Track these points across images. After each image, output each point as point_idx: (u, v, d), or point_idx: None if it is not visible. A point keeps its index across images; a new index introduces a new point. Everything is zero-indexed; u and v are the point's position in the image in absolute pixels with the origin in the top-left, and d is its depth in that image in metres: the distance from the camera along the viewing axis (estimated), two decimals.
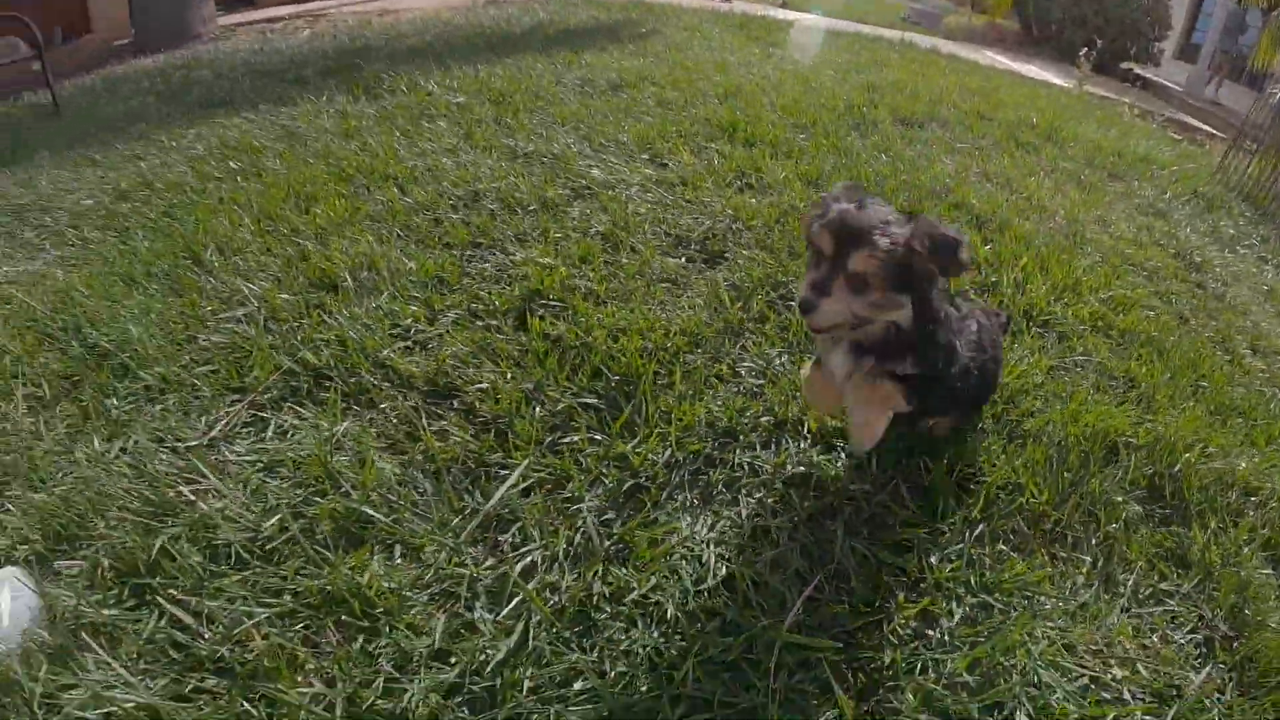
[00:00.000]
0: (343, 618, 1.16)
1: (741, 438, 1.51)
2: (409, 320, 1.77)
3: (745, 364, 1.70)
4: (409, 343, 1.73)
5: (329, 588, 1.19)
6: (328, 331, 1.72)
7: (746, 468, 1.45)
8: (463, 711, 1.05)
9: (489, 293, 1.88)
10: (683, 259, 2.12)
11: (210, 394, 1.60)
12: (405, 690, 1.06)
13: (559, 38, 5.40)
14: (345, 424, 1.50)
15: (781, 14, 10.69)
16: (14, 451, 1.52)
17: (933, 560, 1.30)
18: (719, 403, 1.57)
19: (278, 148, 2.90)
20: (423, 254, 2.04)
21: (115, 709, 1.05)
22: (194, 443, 1.48)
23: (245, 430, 1.52)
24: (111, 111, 4.14)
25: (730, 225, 2.28)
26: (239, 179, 2.60)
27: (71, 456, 1.48)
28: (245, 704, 1.05)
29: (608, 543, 1.30)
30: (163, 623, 1.17)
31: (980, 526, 1.37)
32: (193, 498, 1.36)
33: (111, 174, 2.88)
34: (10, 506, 1.40)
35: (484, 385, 1.59)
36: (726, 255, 2.14)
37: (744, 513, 1.37)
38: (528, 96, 3.47)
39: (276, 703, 1.05)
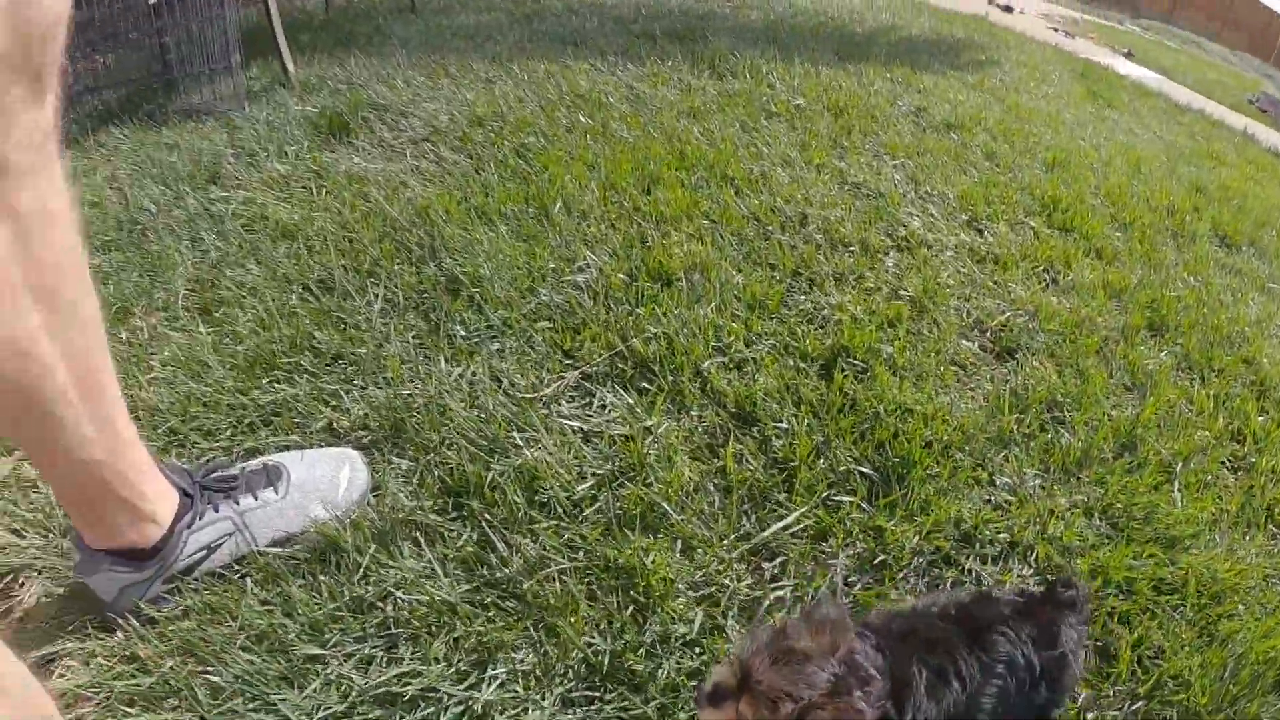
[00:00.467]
0: (626, 588, 1.29)
1: (978, 546, 1.49)
2: (730, 338, 1.82)
3: (1002, 477, 1.65)
4: (726, 359, 1.78)
5: (620, 559, 1.32)
6: (658, 326, 1.80)
7: (974, 575, 1.45)
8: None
9: (803, 332, 1.90)
10: (976, 345, 2.06)
11: (544, 350, 1.75)
12: (661, 660, 1.18)
13: (899, 48, 5.24)
14: (663, 423, 1.58)
15: (1125, 66, 9.76)
16: (365, 345, 1.73)
17: (1088, 716, 1.26)
18: (969, 506, 1.55)
19: (623, 109, 3.03)
20: (749, 270, 2.08)
21: (423, 596, 1.23)
22: (528, 395, 1.62)
23: (571, 394, 1.65)
24: (465, 22, 4.50)
25: (1027, 323, 2.16)
26: (587, 136, 2.75)
27: (416, 368, 1.67)
28: (530, 627, 1.21)
29: (846, 600, 1.35)
30: (475, 539, 1.35)
31: (1141, 703, 1.30)
32: (520, 444, 1.50)
33: (466, 93, 3.12)
34: (357, 395, 1.61)
35: (784, 425, 1.62)
36: (1016, 355, 2.05)
37: None
38: (863, 116, 3.40)
39: (556, 633, 1.21)
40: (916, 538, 1.46)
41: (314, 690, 1.11)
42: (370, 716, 1.09)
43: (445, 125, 2.81)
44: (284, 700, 1.09)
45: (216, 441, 1.53)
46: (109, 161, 2.59)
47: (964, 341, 2.03)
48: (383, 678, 1.13)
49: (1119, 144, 4.49)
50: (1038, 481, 1.66)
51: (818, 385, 1.75)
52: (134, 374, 1.67)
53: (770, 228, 2.31)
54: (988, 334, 2.10)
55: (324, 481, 1.44)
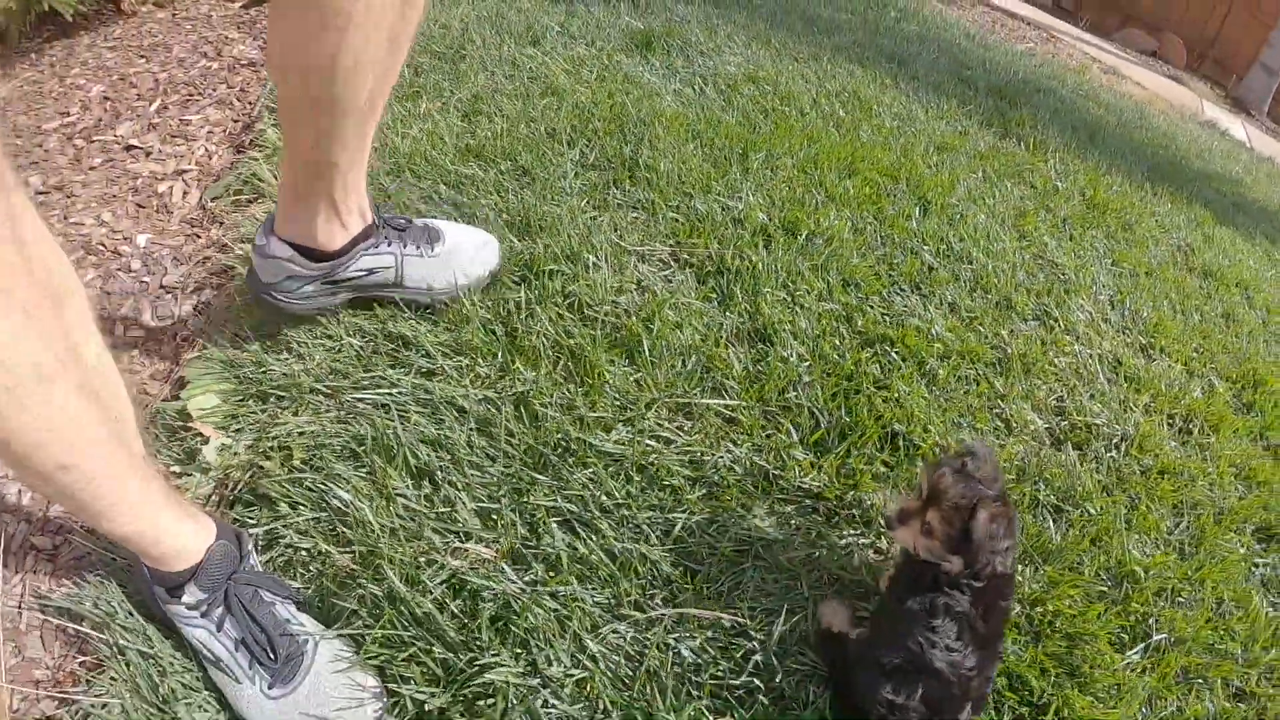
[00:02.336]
0: None
1: None
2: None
3: None
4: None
5: None
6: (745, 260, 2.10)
7: None
8: None
9: None
10: None
11: (664, 228, 2.12)
12: None
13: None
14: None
15: None
16: (549, 173, 2.22)
17: None
18: None
19: (889, 125, 3.26)
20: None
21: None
22: (631, 248, 2.01)
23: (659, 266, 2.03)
24: (815, 11, 4.82)
25: None
26: (837, 127, 3.04)
27: (570, 200, 2.12)
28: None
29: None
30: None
31: None
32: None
33: (764, 58, 3.51)
34: (519, 199, 2.09)
35: None
36: None
37: None
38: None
39: None
40: None
41: None
42: None
43: (728, 73, 3.23)
44: None
45: (418, 180, 2.11)
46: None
47: None
48: None
49: None
50: None
51: None
52: (399, 129, 2.32)
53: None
54: None
55: (467, 254, 1.76)
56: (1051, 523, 1.68)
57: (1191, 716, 1.41)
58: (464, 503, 1.40)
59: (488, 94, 2.63)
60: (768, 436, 1.62)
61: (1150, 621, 1.54)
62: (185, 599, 1.15)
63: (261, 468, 1.46)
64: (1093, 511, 1.73)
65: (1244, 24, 11.52)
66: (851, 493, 1.55)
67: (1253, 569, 1.81)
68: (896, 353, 1.93)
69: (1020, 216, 2.98)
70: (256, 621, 1.16)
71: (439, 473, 1.44)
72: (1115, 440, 2.05)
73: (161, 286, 1.91)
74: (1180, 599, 1.62)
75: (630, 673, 1.25)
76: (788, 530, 1.49)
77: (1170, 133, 6.35)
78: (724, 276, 2.01)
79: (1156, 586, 1.60)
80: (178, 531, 1.14)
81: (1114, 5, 11.74)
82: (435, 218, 1.86)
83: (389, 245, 1.62)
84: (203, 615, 1.16)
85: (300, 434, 1.51)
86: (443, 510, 1.39)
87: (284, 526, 1.38)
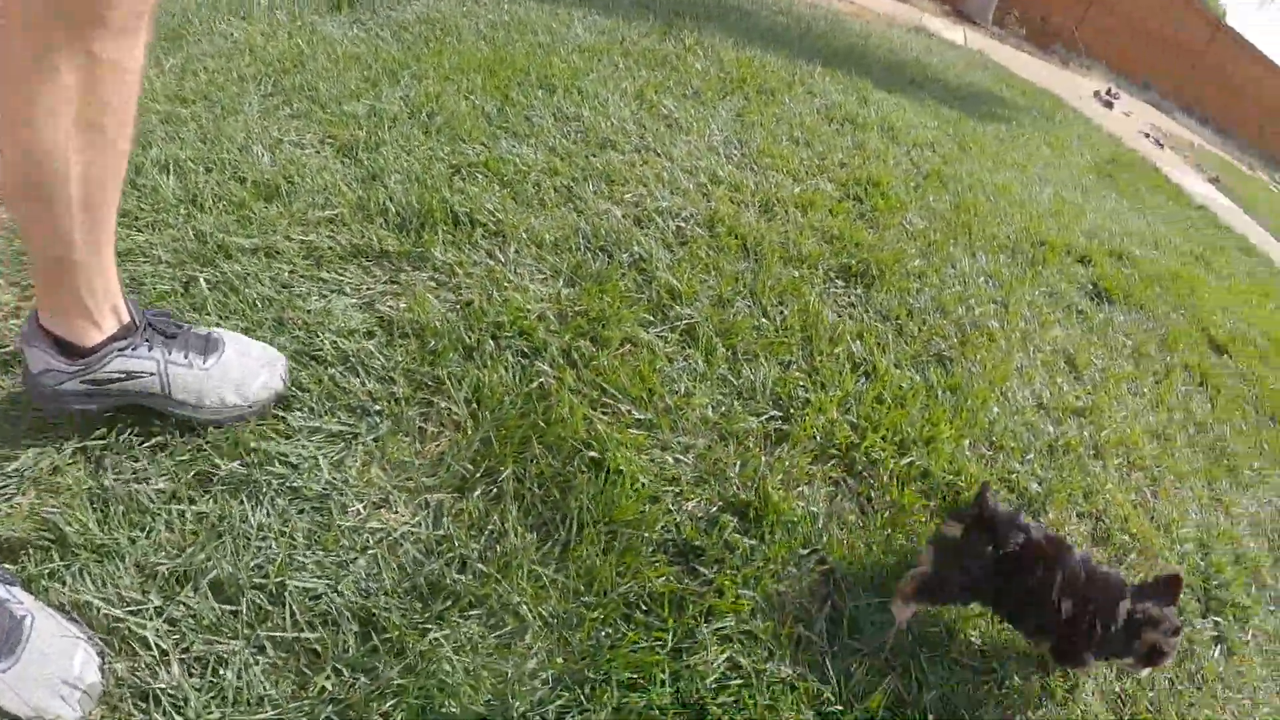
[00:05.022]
0: None
1: None
2: None
3: None
4: None
5: None
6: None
7: None
8: None
9: None
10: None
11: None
12: None
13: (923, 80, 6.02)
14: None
15: (1198, 186, 9.64)
16: None
17: None
18: None
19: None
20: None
21: None
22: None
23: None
24: None
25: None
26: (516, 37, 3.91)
27: None
28: None
29: None
30: None
31: None
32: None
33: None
34: None
35: None
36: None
37: None
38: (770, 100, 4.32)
39: None
40: None
41: None
42: None
43: (404, 20, 4.03)
44: None
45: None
46: None
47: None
48: None
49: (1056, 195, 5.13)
50: None
51: None
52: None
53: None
54: None
55: (247, 371, 1.65)
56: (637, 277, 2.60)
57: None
58: None
59: (196, 57, 3.37)
60: (364, 228, 2.47)
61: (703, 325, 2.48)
62: None
63: None
64: (666, 259, 2.69)
65: None
66: (421, 250, 2.42)
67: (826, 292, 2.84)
68: (480, 174, 2.82)
69: (647, 88, 3.92)
70: None
71: None
72: (687, 216, 3.01)
73: None
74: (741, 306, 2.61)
75: None
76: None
77: (865, 33, 7.57)
78: (357, 150, 2.85)
79: (716, 295, 2.59)
80: None
81: None
82: (222, 329, 1.78)
83: (150, 350, 1.52)
84: None
85: None
86: None
87: None
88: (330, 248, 2.33)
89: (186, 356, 1.56)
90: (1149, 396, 3.41)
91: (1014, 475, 2.52)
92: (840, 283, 3.06)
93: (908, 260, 3.37)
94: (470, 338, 2.13)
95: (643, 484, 1.93)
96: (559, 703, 1.47)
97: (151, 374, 1.52)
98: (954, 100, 6.66)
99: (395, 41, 3.76)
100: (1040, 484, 2.54)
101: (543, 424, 1.96)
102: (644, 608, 1.70)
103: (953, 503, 2.27)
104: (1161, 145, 11.75)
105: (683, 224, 2.99)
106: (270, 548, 1.51)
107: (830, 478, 2.21)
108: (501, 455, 1.87)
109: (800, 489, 2.13)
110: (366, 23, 3.94)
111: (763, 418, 2.28)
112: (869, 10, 9.18)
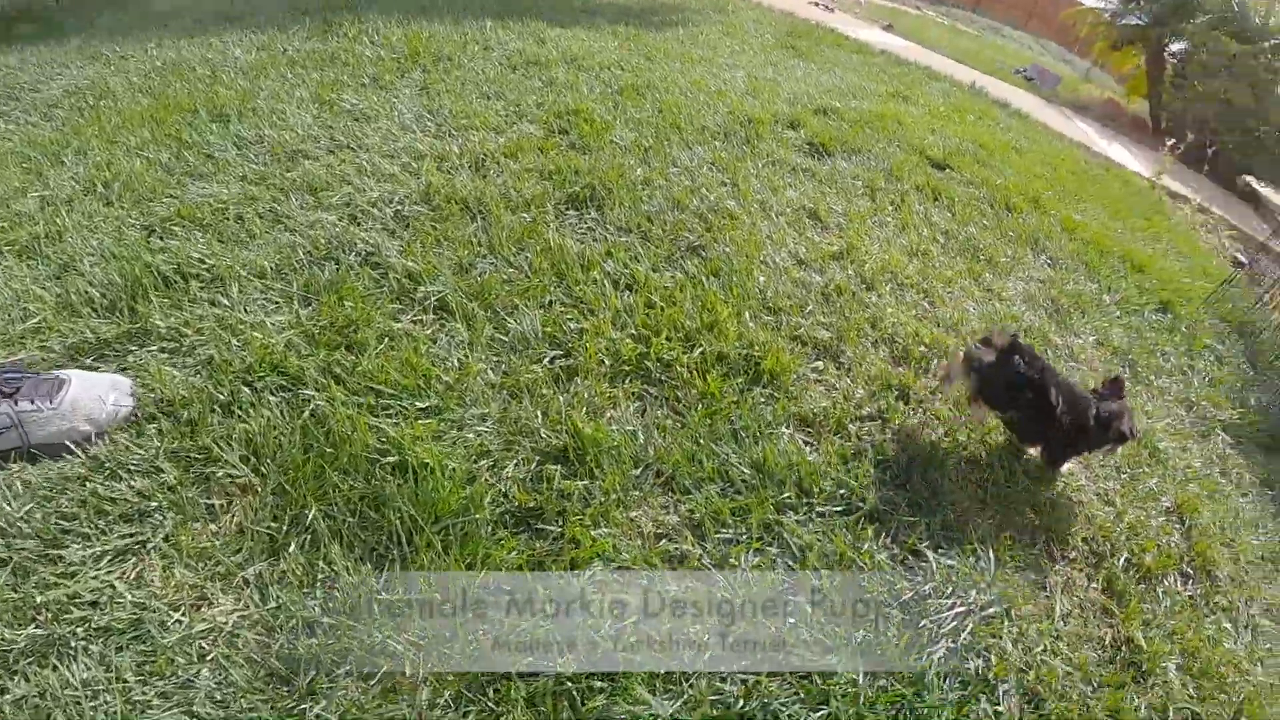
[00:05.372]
0: None
1: None
2: None
3: None
4: None
5: None
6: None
7: None
8: None
9: None
10: None
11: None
12: None
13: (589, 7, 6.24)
14: None
15: (878, 36, 10.80)
16: None
17: None
18: None
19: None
20: None
21: None
22: None
23: None
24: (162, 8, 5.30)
25: None
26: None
27: None
28: None
29: None
30: None
31: None
32: None
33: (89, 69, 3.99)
34: None
35: None
36: None
37: None
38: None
39: None
40: None
41: None
42: None
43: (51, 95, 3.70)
44: None
45: None
46: None
47: None
48: None
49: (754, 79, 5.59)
50: None
51: None
52: None
53: None
54: None
55: (94, 401, 1.79)
56: (372, 273, 2.57)
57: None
58: None
59: None
60: (72, 324, 2.31)
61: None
62: None
63: None
64: (395, 246, 2.67)
65: None
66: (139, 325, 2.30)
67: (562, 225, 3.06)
68: (177, 226, 2.71)
69: (322, 89, 3.83)
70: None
71: None
72: (402, 198, 3.06)
73: None
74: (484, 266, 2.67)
75: None
76: None
77: None
78: (39, 247, 2.63)
79: (456, 262, 2.59)
80: None
81: None
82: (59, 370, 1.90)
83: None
84: None
85: None
86: None
87: None
88: (45, 357, 2.15)
89: (34, 403, 1.69)
90: (894, 223, 3.86)
91: (801, 330, 2.72)
92: (573, 212, 3.21)
93: (630, 172, 3.58)
94: (223, 393, 2.01)
95: (453, 469, 1.89)
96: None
97: (9, 427, 1.67)
98: (628, 18, 6.98)
99: (48, 123, 3.46)
100: (829, 329, 2.77)
101: (330, 450, 1.88)
102: (507, 588, 1.67)
103: (754, 376, 2.44)
104: (831, 9, 12.99)
105: (399, 207, 3.01)
106: (106, 703, 1.34)
107: (632, 394, 2.28)
108: (301, 499, 1.75)
109: (609, 415, 2.18)
110: (10, 112, 3.56)
111: (545, 361, 2.33)
112: None
